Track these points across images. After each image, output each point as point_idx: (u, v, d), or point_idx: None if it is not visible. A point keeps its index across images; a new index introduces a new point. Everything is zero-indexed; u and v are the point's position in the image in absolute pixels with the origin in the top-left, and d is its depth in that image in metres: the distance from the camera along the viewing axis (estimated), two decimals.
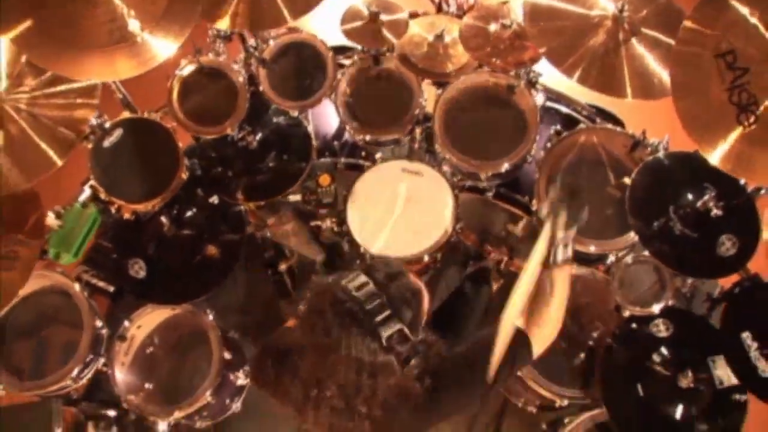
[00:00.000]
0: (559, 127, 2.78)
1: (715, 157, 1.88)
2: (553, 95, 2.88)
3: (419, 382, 1.61)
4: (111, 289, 3.04)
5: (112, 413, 2.81)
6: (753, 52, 1.87)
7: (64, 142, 2.20)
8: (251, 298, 3.20)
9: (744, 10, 1.86)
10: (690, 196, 2.28)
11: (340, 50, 2.82)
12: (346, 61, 2.77)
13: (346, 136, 2.89)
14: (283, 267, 3.09)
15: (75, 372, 2.45)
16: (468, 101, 2.68)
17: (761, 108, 1.85)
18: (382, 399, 1.55)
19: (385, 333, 1.51)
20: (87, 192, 2.72)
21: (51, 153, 2.17)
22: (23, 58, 2.23)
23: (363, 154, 2.90)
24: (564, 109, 2.88)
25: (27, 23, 2.06)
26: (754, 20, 1.86)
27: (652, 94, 2.18)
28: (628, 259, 2.42)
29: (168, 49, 2.13)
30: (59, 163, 2.18)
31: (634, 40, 2.19)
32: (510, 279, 2.96)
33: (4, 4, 2.05)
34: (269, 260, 3.11)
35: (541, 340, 1.78)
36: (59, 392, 2.54)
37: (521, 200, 2.80)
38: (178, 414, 2.53)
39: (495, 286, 2.99)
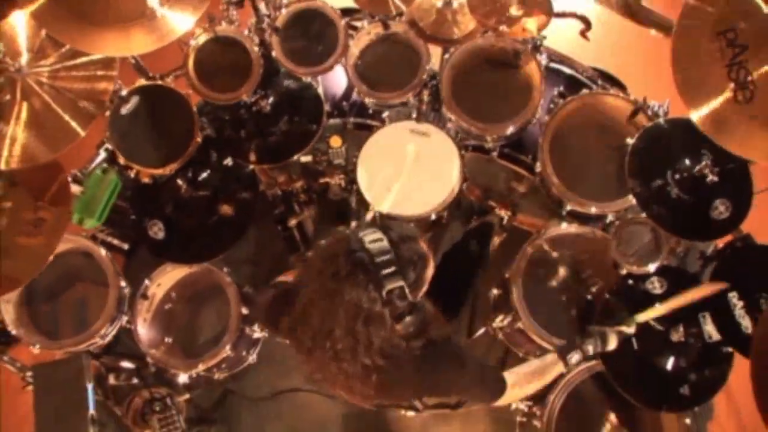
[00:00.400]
0: (562, 88, 2.92)
1: (710, 129, 2.05)
2: (555, 57, 3.01)
3: (412, 340, 1.74)
4: (125, 246, 3.24)
5: (131, 365, 3.05)
6: (753, 30, 2.01)
7: (86, 114, 2.30)
8: (262, 252, 3.40)
9: None
10: (687, 162, 2.44)
11: (347, 12, 2.93)
12: (357, 23, 2.89)
13: (354, 96, 3.02)
14: (292, 223, 3.25)
15: (103, 330, 2.67)
16: (474, 65, 2.81)
17: (758, 86, 2.00)
18: (379, 348, 1.69)
19: (388, 286, 1.65)
20: (102, 155, 2.87)
21: (74, 124, 2.28)
22: (43, 32, 2.33)
23: (371, 113, 3.04)
24: (567, 70, 2.99)
25: None
26: None
27: None
28: (627, 219, 2.60)
29: (186, 23, 2.24)
30: (82, 134, 2.28)
31: None
32: (513, 234, 3.19)
33: None
34: (279, 216, 3.27)
35: (510, 397, 2.01)
36: (86, 348, 2.75)
37: (525, 160, 2.97)
38: (201, 366, 2.76)
39: (498, 240, 3.19)
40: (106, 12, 2.20)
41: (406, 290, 1.68)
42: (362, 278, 1.65)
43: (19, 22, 2.35)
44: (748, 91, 2.02)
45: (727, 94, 2.05)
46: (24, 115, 2.30)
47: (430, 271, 1.83)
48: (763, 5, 2.00)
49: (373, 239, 1.69)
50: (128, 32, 2.21)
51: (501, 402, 2.00)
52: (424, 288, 1.83)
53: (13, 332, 2.63)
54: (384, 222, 1.83)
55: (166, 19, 2.22)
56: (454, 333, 2.01)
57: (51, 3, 2.18)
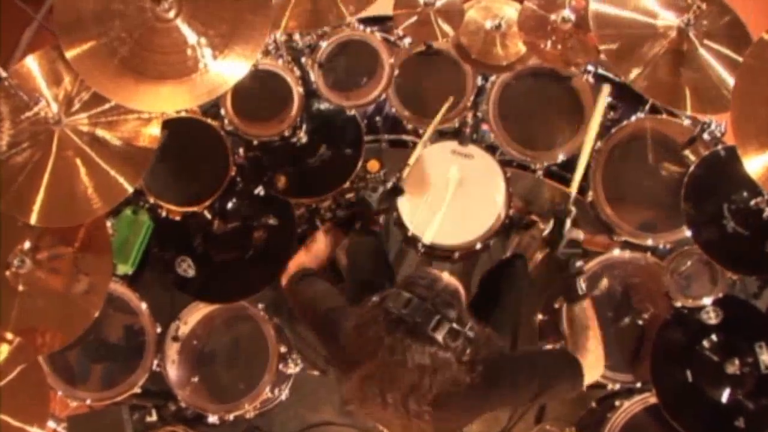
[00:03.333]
0: (610, 99, 3.51)
1: (755, 171, 2.48)
2: (603, 64, 3.52)
3: (471, 370, 2.23)
4: (129, 271, 3.73)
5: (147, 403, 3.52)
6: None
7: (133, 163, 2.67)
8: None
9: None
10: (745, 194, 3.02)
11: (380, 20, 3.44)
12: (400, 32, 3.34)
13: (387, 109, 3.53)
14: None
15: (141, 380, 3.21)
16: (523, 87, 3.37)
17: None
18: (436, 393, 2.17)
19: (439, 335, 2.11)
20: None
21: (121, 180, 2.63)
22: (66, 80, 2.73)
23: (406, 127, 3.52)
24: (614, 78, 3.53)
25: (90, 44, 2.58)
26: None
27: (711, 108, 2.89)
28: (681, 251, 3.17)
29: (239, 71, 2.62)
30: (130, 189, 2.63)
31: (701, 50, 2.86)
32: None
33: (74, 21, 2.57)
34: (301, 235, 3.75)
35: (592, 368, 2.52)
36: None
37: (569, 177, 3.56)
38: (240, 411, 3.30)
39: (540, 256, 3.78)
40: (157, 68, 2.60)
41: (456, 328, 2.15)
42: (416, 342, 2.10)
43: (34, 67, 2.73)
44: None
45: None
46: (61, 169, 2.64)
47: (464, 297, 2.30)
48: None
49: (404, 302, 2.15)
50: (182, 86, 2.61)
51: (589, 379, 2.47)
52: (467, 312, 2.29)
53: (60, 392, 3.13)
54: (404, 280, 2.35)
55: (218, 70, 2.61)
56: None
57: (93, 52, 2.60)
